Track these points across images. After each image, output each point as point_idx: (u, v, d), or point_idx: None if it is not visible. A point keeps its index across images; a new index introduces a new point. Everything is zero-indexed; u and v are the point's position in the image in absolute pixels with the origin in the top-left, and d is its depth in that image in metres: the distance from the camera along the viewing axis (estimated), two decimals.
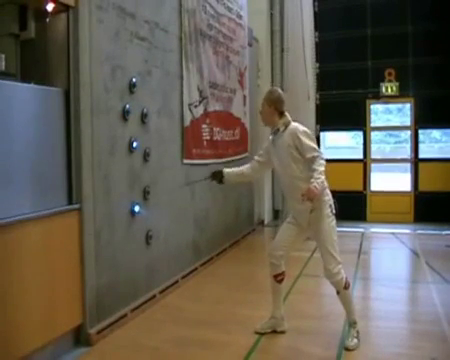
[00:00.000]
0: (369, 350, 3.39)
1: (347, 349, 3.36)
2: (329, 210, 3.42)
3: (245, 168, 3.82)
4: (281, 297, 3.75)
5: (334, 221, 3.45)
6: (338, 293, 3.46)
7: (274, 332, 3.70)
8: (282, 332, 3.70)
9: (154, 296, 4.43)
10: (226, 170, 3.77)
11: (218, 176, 3.77)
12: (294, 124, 3.49)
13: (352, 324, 3.49)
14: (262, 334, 3.67)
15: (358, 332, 3.47)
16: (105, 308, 3.73)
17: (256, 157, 3.80)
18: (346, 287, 3.42)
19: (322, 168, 3.24)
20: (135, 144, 4.11)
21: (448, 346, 3.45)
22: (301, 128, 3.43)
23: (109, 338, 3.65)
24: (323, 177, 3.23)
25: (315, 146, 3.36)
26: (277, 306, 3.72)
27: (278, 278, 3.64)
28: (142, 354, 3.40)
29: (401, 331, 3.83)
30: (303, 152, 3.34)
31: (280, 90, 3.69)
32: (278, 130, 3.52)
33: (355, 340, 3.43)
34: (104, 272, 3.73)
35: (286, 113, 3.55)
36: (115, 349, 3.49)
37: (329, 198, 3.46)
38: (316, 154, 3.30)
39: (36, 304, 3.08)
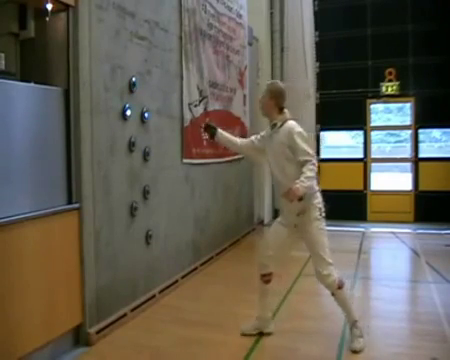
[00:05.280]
0: (369, 350, 3.37)
1: (355, 352, 3.30)
2: (318, 213, 3.37)
3: (239, 139, 3.86)
4: (268, 298, 3.69)
5: (323, 224, 3.42)
6: (333, 295, 3.42)
7: (260, 334, 3.66)
8: (268, 334, 3.66)
9: (154, 296, 4.42)
10: (220, 130, 3.77)
11: (210, 130, 3.78)
12: (291, 122, 3.43)
13: (353, 323, 3.42)
14: (252, 335, 3.63)
15: (361, 329, 3.41)
16: (105, 308, 3.72)
17: (253, 137, 3.77)
18: (340, 287, 3.36)
19: (311, 173, 3.20)
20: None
21: (448, 346, 3.44)
22: (297, 129, 3.37)
23: (109, 338, 3.64)
24: (310, 182, 3.19)
25: (308, 150, 3.30)
26: (263, 307, 3.67)
27: (265, 278, 3.59)
28: (142, 354, 3.40)
29: (401, 331, 3.83)
30: (296, 153, 3.31)
31: (282, 84, 3.62)
32: (275, 125, 3.48)
33: (360, 340, 3.36)
34: (104, 272, 3.73)
35: (285, 110, 3.50)
36: (115, 349, 3.49)
37: (318, 201, 3.42)
38: (308, 158, 3.25)
39: (35, 304, 3.08)
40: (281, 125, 3.44)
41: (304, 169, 3.22)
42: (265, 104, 3.54)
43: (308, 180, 3.18)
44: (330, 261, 3.36)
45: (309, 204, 3.35)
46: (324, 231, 3.42)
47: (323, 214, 3.42)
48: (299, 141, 3.30)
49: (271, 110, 3.50)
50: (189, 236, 5.39)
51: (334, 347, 3.42)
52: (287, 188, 3.23)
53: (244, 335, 3.66)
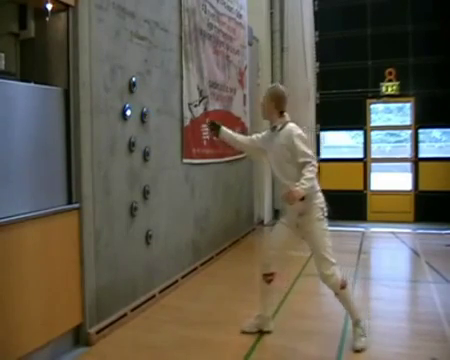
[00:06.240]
0: (369, 350, 3.36)
1: (357, 351, 3.30)
2: (320, 213, 3.38)
3: (241, 137, 3.95)
4: (269, 298, 3.70)
5: (326, 224, 3.42)
6: (336, 294, 3.43)
7: (260, 333, 3.66)
8: (268, 332, 3.66)
9: (154, 296, 4.42)
10: (224, 128, 3.85)
11: (214, 128, 3.87)
12: (291, 125, 3.47)
13: (356, 322, 3.43)
14: (252, 334, 3.64)
15: (363, 329, 3.41)
16: (105, 308, 3.72)
17: (253, 136, 3.83)
18: (343, 287, 3.37)
19: (311, 175, 3.22)
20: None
21: (448, 346, 3.44)
22: (296, 131, 3.40)
23: (109, 338, 3.64)
24: (310, 184, 3.20)
25: (308, 151, 3.32)
26: (264, 306, 3.68)
27: (267, 278, 3.60)
28: (142, 354, 3.40)
29: (401, 331, 3.83)
30: (295, 156, 3.32)
31: (283, 88, 3.65)
32: (275, 127, 3.52)
33: (362, 339, 3.37)
34: (104, 272, 3.73)
35: (286, 113, 3.54)
36: (115, 349, 3.49)
37: (320, 201, 3.43)
38: (308, 160, 3.27)
39: (35, 304, 3.08)
40: (281, 128, 3.48)
41: (304, 171, 3.23)
42: (266, 107, 3.58)
43: (308, 182, 3.19)
44: (333, 261, 3.36)
45: (311, 204, 3.36)
46: (326, 231, 3.42)
47: (325, 214, 3.43)
48: (298, 143, 3.32)
49: (271, 113, 3.54)
50: (189, 236, 5.39)
51: (334, 347, 3.42)
52: (288, 189, 3.23)
53: (244, 333, 3.67)
